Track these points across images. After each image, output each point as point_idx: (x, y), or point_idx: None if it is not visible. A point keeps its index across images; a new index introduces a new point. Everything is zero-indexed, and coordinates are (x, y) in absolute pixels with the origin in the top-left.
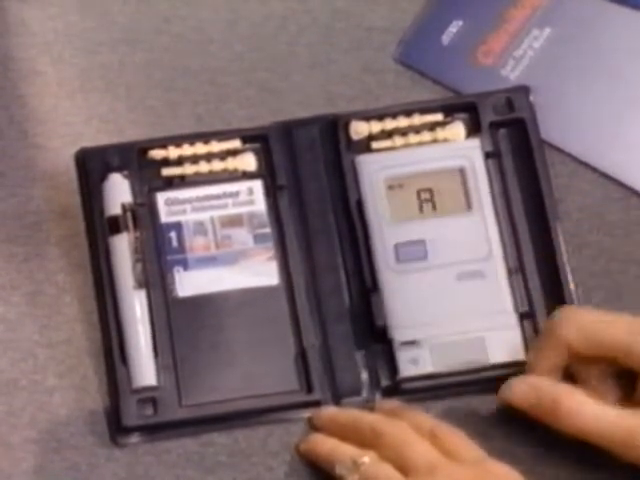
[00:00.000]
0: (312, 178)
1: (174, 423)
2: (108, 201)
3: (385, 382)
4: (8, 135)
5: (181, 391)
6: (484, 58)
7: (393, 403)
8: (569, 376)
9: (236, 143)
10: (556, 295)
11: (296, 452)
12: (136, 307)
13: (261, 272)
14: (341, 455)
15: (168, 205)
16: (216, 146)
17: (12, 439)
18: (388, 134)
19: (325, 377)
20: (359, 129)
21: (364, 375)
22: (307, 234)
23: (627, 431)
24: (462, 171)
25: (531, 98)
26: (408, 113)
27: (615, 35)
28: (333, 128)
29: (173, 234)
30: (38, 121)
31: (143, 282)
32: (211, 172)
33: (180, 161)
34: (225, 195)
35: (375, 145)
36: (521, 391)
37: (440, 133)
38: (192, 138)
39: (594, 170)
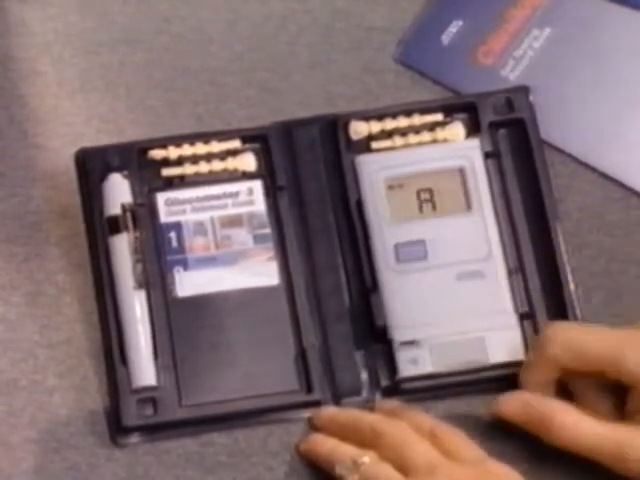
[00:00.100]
0: (312, 178)
1: (174, 423)
2: (108, 201)
3: (385, 382)
4: (8, 135)
5: (181, 391)
6: (484, 58)
7: (393, 403)
8: (565, 389)
9: (236, 143)
10: (556, 295)
11: (296, 452)
12: (136, 307)
13: (261, 272)
14: (341, 455)
15: (168, 205)
16: (216, 146)
17: (12, 439)
18: (388, 134)
19: (325, 377)
20: (359, 129)
21: (364, 375)
22: (307, 234)
23: (616, 444)
24: (462, 171)
25: (531, 98)
26: (408, 113)
27: (615, 35)
28: (333, 128)
29: (173, 234)
30: (38, 121)
31: (143, 282)
32: (211, 172)
33: (180, 161)
34: (225, 195)
35: (375, 145)
36: (513, 407)
37: (440, 133)
38: (192, 138)
39: (594, 170)
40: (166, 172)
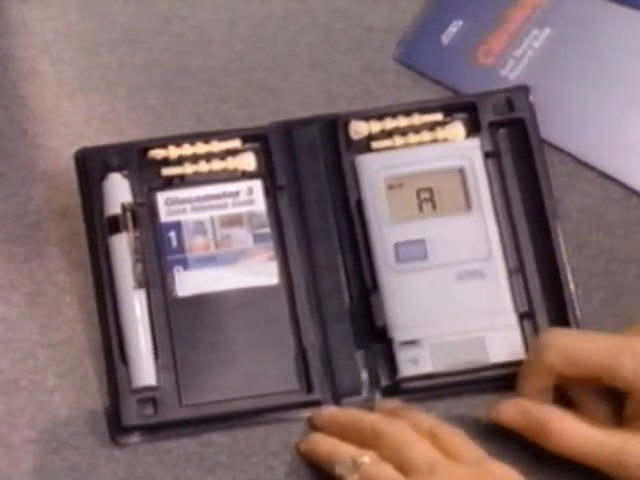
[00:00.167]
0: (312, 178)
1: (174, 423)
2: (108, 201)
3: (385, 382)
4: (8, 135)
5: (181, 391)
6: (484, 58)
7: (393, 403)
8: (563, 395)
9: (236, 143)
10: (556, 295)
11: (296, 452)
12: (136, 307)
13: (261, 272)
14: (341, 455)
15: (168, 205)
16: (216, 146)
17: (12, 439)
18: (388, 134)
19: (325, 377)
20: (359, 129)
21: (364, 375)
22: (307, 234)
23: (614, 451)
24: (462, 171)
25: (531, 98)
26: (408, 113)
27: (615, 35)
28: (333, 128)
29: (173, 234)
30: (38, 121)
31: (143, 282)
32: (211, 172)
33: (180, 161)
34: (225, 195)
35: (375, 145)
36: (510, 414)
37: (440, 133)
38: (192, 138)
39: (594, 170)
40: (166, 172)
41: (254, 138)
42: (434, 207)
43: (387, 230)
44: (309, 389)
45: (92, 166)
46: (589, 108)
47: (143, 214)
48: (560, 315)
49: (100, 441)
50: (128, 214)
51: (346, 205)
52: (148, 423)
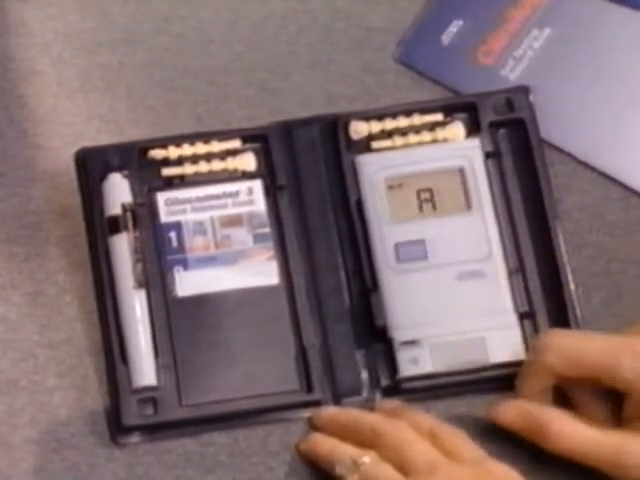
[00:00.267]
0: (312, 178)
1: (174, 423)
2: (108, 201)
3: (385, 382)
4: (8, 135)
5: (181, 391)
6: (484, 58)
7: (393, 403)
8: (563, 395)
9: (236, 143)
10: (556, 295)
11: (296, 452)
12: (136, 307)
13: (261, 272)
14: (341, 455)
15: (168, 205)
16: (216, 146)
17: (12, 439)
18: (388, 134)
19: (325, 377)
20: (359, 129)
21: (364, 375)
22: (307, 234)
23: (613, 451)
24: (462, 171)
25: (531, 98)
26: (408, 113)
27: (615, 35)
28: (333, 128)
29: (173, 234)
30: (38, 121)
31: (143, 282)
32: (211, 172)
33: (180, 161)
34: (225, 195)
35: (375, 145)
36: (510, 415)
37: (440, 133)
38: (192, 138)
39: (594, 170)
40: (166, 172)
41: (254, 138)
42: (434, 207)
43: (387, 230)
44: (309, 389)
45: (92, 166)
46: (589, 108)
47: (143, 214)
48: (560, 315)
49: (100, 441)
50: (128, 214)
51: (346, 205)
52: (148, 423)
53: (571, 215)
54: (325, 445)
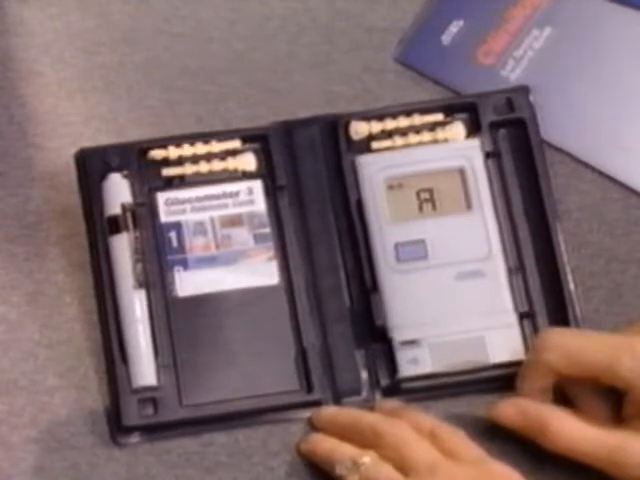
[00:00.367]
0: (312, 178)
1: (174, 423)
2: (108, 201)
3: (385, 382)
4: (8, 135)
5: (181, 391)
6: (484, 58)
7: (393, 403)
8: (563, 394)
9: (236, 143)
10: (556, 295)
11: (296, 452)
12: (136, 307)
13: (261, 272)
14: (341, 455)
15: (168, 205)
16: (216, 146)
17: (12, 439)
18: (388, 134)
19: (325, 377)
20: (359, 129)
21: (364, 375)
22: (307, 234)
23: (612, 450)
24: (462, 171)
25: (531, 98)
26: (408, 113)
27: (615, 35)
28: (333, 128)
29: (173, 234)
30: (38, 121)
31: (143, 282)
32: (211, 172)
33: (180, 161)
34: (225, 195)
35: (375, 145)
36: (509, 413)
37: (440, 133)
38: (192, 138)
39: (594, 170)
40: (166, 172)
41: (254, 138)
42: (434, 207)
43: (387, 230)
44: (309, 389)
45: (92, 166)
46: (589, 108)
47: (143, 214)
48: (560, 315)
49: (100, 441)
50: (128, 214)
51: (346, 205)
52: (148, 423)
53: (571, 215)
54: (325, 445)
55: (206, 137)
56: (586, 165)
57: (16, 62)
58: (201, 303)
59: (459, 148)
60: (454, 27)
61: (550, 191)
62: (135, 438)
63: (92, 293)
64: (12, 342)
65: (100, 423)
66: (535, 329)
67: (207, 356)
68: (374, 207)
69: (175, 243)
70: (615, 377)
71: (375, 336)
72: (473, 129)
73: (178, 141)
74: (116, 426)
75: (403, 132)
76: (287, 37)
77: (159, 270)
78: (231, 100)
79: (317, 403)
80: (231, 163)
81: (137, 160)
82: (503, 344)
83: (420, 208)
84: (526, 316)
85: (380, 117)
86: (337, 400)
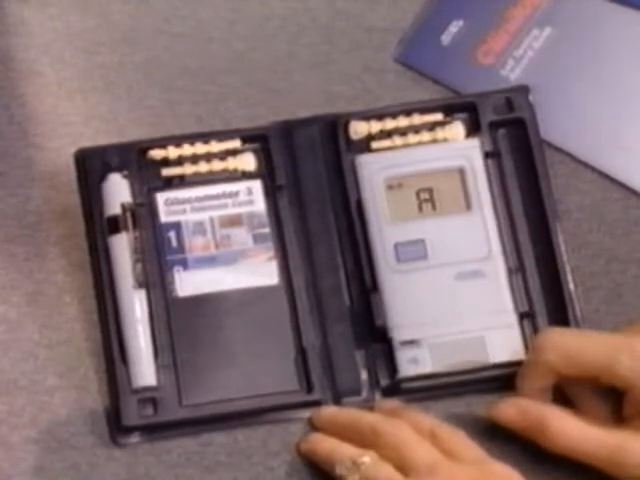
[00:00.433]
0: (312, 178)
1: (174, 423)
2: (108, 201)
3: (385, 382)
4: (8, 135)
5: (181, 391)
6: (484, 58)
7: (393, 403)
8: (563, 395)
9: (236, 143)
10: (556, 295)
11: (296, 452)
12: (136, 307)
13: (261, 272)
14: (341, 455)
15: (168, 205)
16: (216, 146)
17: (12, 439)
18: (388, 134)
19: (325, 377)
20: (359, 129)
21: (364, 375)
22: (307, 234)
23: (612, 450)
24: (462, 171)
25: (531, 98)
26: (408, 113)
27: (615, 35)
28: (333, 128)
29: (173, 234)
30: (38, 121)
31: (143, 282)
32: (211, 172)
33: (180, 161)
34: (225, 195)
35: (375, 145)
36: (509, 413)
37: (440, 133)
38: (192, 138)
39: (594, 170)
40: (166, 172)
41: (254, 138)
42: (434, 207)
43: (387, 230)
44: (309, 389)
45: (92, 166)
46: (589, 108)
47: (143, 214)
48: (560, 315)
49: (100, 441)
50: (128, 214)
51: (346, 205)
52: (148, 423)
53: (571, 215)
54: (325, 445)
55: (206, 137)
56: (586, 165)
57: (16, 62)
58: (201, 303)
59: (459, 148)
60: (454, 27)
61: (550, 191)
62: (135, 438)
63: (92, 293)
64: (12, 342)
65: (100, 423)
66: (535, 329)
67: (207, 356)
68: (374, 207)
69: (175, 243)
70: (615, 377)
71: (375, 336)
72: (473, 129)
73: (178, 141)
74: (116, 426)
75: (403, 132)
76: (287, 37)
77: (159, 270)
78: (231, 100)
79: (317, 403)
80: (231, 163)
81: (137, 160)
82: (503, 344)
83: (420, 208)
84: (526, 316)
85: (380, 117)
86: (337, 400)
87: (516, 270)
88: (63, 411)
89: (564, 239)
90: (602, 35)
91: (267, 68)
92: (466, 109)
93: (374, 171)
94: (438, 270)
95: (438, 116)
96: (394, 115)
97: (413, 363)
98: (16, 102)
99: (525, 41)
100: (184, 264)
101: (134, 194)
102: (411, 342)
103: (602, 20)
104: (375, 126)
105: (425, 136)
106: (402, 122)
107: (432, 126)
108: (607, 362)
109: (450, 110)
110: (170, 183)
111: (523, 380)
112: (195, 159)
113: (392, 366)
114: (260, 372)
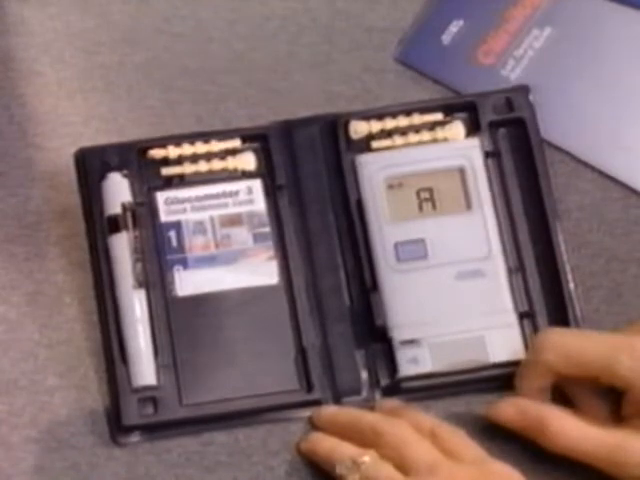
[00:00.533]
0: (312, 178)
1: (174, 422)
2: (108, 201)
3: (385, 381)
4: (8, 135)
5: (181, 390)
6: (484, 58)
7: (393, 402)
8: (563, 395)
9: (236, 142)
10: (556, 294)
11: (296, 451)
12: (136, 307)
13: (261, 271)
14: (341, 454)
15: (168, 204)
16: (216, 145)
17: (12, 439)
18: (388, 133)
19: (325, 376)
20: (359, 129)
21: (364, 374)
22: (307, 234)
23: (612, 449)
24: (462, 170)
25: (531, 98)
26: (408, 113)
27: (615, 35)
28: (333, 128)
29: (173, 233)
30: (38, 121)
31: (143, 281)
32: (211, 171)
33: (180, 160)
34: (225, 194)
35: (375, 144)
36: (508, 413)
37: (440, 133)
38: (192, 137)
39: (594, 169)
40: (166, 171)
41: (254, 138)
42: (434, 207)
43: (387, 230)
44: (309, 389)
45: (92, 166)
46: (589, 108)
47: (143, 214)
48: (560, 315)
49: (100, 441)
50: (128, 214)
51: (346, 205)
52: (148, 423)
53: (571, 215)
54: (325, 444)
55: (206, 136)
56: (586, 165)
57: (16, 62)
58: (201, 303)
59: (459, 147)
60: (454, 27)
61: (550, 191)
62: (135, 437)
63: (92, 293)
64: (12, 342)
65: (100, 423)
66: (535, 329)
67: (207, 356)
68: (374, 206)
69: (175, 242)
70: (614, 376)
71: (375, 336)
72: (473, 129)
73: (178, 140)
74: (116, 426)
75: (403, 131)
76: (287, 37)
77: (159, 270)
78: (231, 100)
79: (317, 403)
80: (231, 162)
81: (137, 159)
82: (503, 344)
83: (420, 207)
84: (526, 316)
85: (380, 116)
86: (337, 400)
87: (516, 270)
88: (63, 411)
89: (564, 238)
90: (602, 35)
91: (267, 68)
92: (466, 109)
93: (374, 171)
94: (438, 270)
95: (438, 116)
96: (394, 115)
97: (413, 363)
98: (16, 102)
99: (525, 41)
100: (184, 263)
101: (134, 193)
102: (411, 342)
103: (602, 20)
104: (375, 126)
105: (425, 136)
106: (402, 122)
107: (432, 126)
108: (607, 362)
109: (450, 110)
110: (170, 182)
111: (522, 380)
112: (195, 158)
113: (392, 366)
114: (260, 372)
